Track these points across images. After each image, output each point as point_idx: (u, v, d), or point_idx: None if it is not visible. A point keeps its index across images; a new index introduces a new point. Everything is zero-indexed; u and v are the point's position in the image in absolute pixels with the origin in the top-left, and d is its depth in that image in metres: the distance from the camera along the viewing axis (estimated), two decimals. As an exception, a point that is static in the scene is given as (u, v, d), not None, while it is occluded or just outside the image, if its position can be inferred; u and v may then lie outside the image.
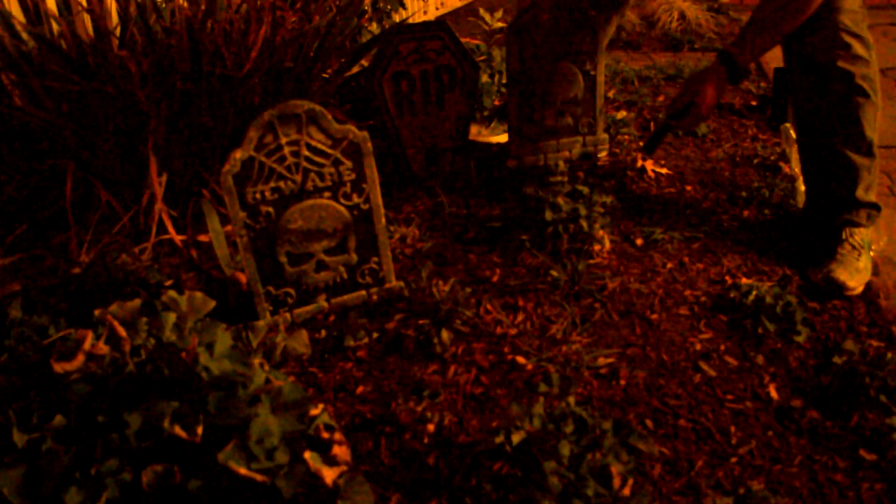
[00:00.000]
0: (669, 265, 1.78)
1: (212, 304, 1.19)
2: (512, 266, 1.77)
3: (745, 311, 1.58)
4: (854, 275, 1.67)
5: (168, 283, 1.65)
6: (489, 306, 1.61)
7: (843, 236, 1.75)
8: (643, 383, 1.41)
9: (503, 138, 2.47)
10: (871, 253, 1.78)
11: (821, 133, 1.78)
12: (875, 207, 1.80)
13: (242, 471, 0.91)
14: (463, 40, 2.10)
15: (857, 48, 1.69)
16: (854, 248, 1.73)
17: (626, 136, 2.53)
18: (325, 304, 1.60)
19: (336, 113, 1.80)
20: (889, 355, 1.38)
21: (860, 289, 1.67)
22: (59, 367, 1.04)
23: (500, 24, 3.38)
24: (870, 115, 1.73)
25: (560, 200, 1.81)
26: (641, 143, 2.44)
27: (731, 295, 1.62)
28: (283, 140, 1.41)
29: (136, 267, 1.66)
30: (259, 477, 0.92)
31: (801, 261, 1.78)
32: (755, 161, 2.32)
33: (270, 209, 1.46)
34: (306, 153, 1.45)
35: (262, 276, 1.50)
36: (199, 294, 1.18)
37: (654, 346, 1.51)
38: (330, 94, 2.14)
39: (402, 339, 1.50)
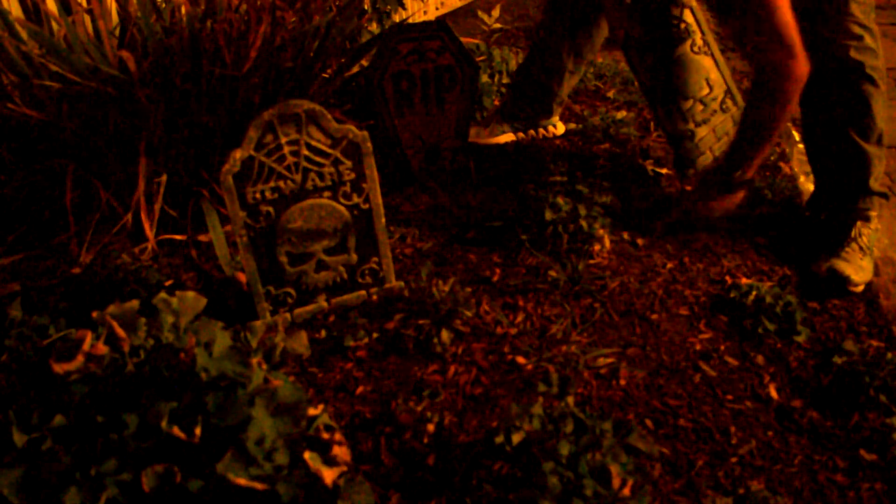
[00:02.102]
0: (669, 265, 1.78)
1: (203, 301, 1.19)
2: (512, 266, 1.77)
3: (745, 311, 1.58)
4: (858, 271, 1.68)
5: (168, 283, 1.65)
6: (489, 306, 1.61)
7: (853, 234, 1.76)
8: (643, 383, 1.41)
9: (503, 139, 2.47)
10: (875, 252, 1.78)
11: (832, 124, 1.80)
12: (885, 196, 1.83)
13: (241, 481, 0.91)
14: (463, 40, 2.10)
15: (868, 39, 1.71)
16: (860, 248, 1.74)
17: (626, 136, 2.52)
18: (325, 304, 1.59)
19: (336, 113, 1.80)
20: (889, 355, 1.38)
21: (862, 286, 1.67)
22: (58, 367, 1.04)
23: (498, 25, 3.37)
24: (879, 104, 1.75)
25: (560, 200, 1.81)
26: (642, 144, 2.44)
27: (731, 295, 1.62)
28: (283, 140, 1.41)
29: (135, 267, 1.66)
30: (259, 485, 0.91)
31: (803, 257, 1.78)
32: (755, 161, 2.32)
33: (270, 209, 1.46)
34: (306, 153, 1.45)
35: (262, 275, 1.50)
36: (190, 293, 1.18)
37: (654, 346, 1.51)
38: (330, 94, 2.14)
39: (402, 339, 1.50)
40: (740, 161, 1.77)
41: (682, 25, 2.10)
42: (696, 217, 1.90)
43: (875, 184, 1.81)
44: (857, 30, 1.70)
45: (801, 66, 1.61)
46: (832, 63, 1.72)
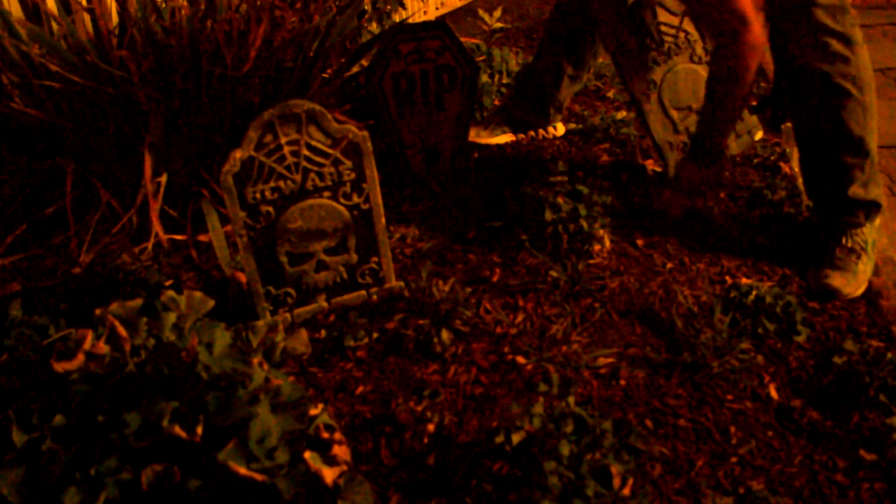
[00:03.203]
0: (669, 265, 1.78)
1: (211, 303, 1.19)
2: (512, 266, 1.77)
3: (745, 311, 1.57)
4: (850, 280, 1.66)
5: (168, 283, 1.65)
6: (489, 306, 1.61)
7: (844, 240, 1.74)
8: (643, 383, 1.41)
9: (502, 139, 2.47)
10: (874, 252, 1.77)
11: (809, 134, 1.78)
12: (874, 205, 1.76)
13: (242, 470, 0.91)
14: (463, 40, 2.10)
15: (835, 46, 1.64)
16: (853, 250, 1.71)
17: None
18: (325, 304, 1.60)
19: (336, 113, 1.80)
20: (889, 355, 1.38)
21: (858, 293, 1.67)
22: (59, 367, 1.04)
23: (499, 25, 3.37)
24: (856, 112, 1.68)
25: (560, 200, 1.81)
26: (642, 144, 2.44)
27: (731, 295, 1.62)
28: (283, 140, 1.41)
29: (136, 267, 1.66)
30: (259, 476, 0.92)
31: (801, 262, 1.78)
32: (755, 161, 2.32)
33: (270, 209, 1.46)
34: (306, 153, 1.45)
35: (262, 275, 1.50)
36: (197, 293, 1.18)
37: (654, 347, 1.51)
38: (330, 94, 2.14)
39: (402, 339, 1.50)
40: (709, 131, 1.88)
41: (682, 35, 2.10)
42: (685, 193, 1.97)
43: (860, 191, 1.73)
44: (822, 38, 1.64)
45: (755, 33, 1.66)
46: (799, 76, 1.70)
